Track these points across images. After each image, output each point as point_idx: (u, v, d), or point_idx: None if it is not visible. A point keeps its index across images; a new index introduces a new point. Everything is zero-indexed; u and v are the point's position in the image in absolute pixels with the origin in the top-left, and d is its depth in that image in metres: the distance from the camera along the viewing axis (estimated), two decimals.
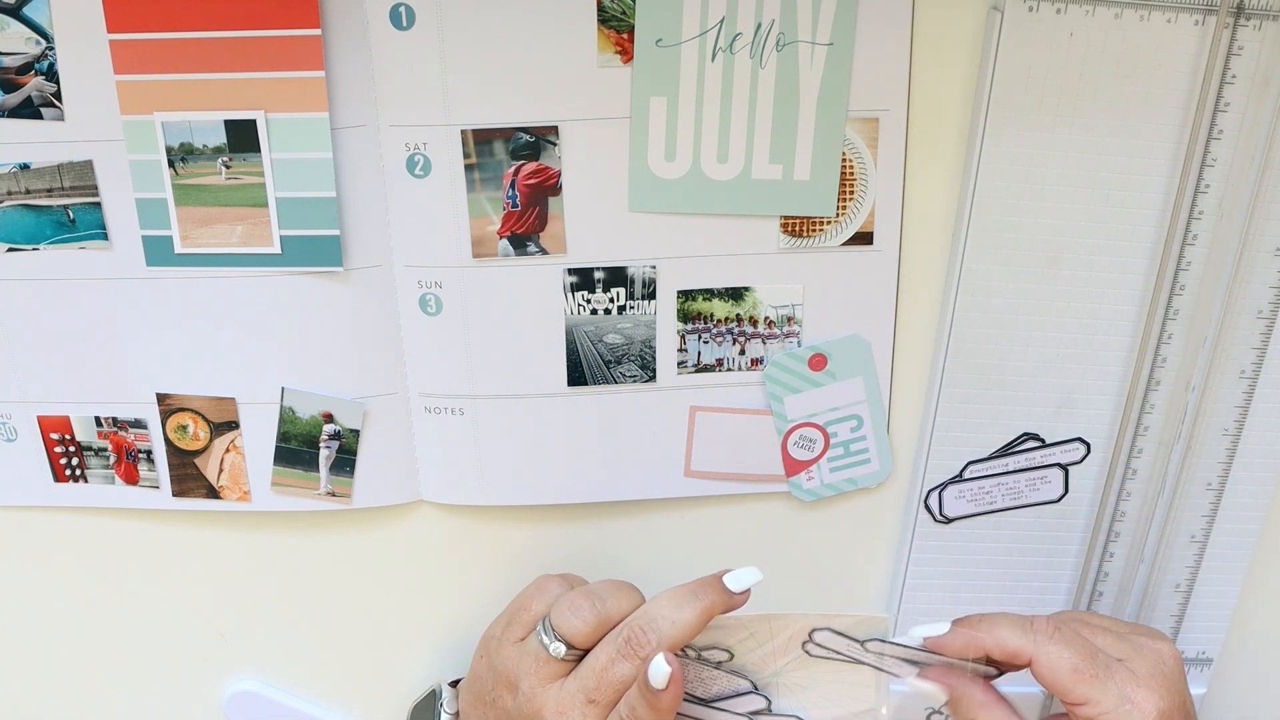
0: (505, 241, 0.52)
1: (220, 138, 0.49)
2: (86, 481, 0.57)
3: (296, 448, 0.55)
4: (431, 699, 0.58)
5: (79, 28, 0.48)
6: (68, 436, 0.56)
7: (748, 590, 0.49)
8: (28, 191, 0.51)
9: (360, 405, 0.54)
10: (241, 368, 0.54)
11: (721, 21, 0.48)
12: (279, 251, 0.51)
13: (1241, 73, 0.48)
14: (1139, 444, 0.55)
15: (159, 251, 0.52)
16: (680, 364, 0.54)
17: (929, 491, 0.56)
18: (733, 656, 0.51)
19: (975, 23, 0.49)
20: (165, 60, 0.48)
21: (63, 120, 0.49)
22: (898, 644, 0.50)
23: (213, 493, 0.57)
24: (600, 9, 0.48)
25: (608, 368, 0.54)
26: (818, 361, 0.54)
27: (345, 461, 0.55)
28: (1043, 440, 0.55)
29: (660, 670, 0.46)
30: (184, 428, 0.55)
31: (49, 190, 0.51)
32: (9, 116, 0.49)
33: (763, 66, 0.49)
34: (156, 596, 0.60)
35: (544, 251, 0.52)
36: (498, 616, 0.54)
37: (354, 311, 0.53)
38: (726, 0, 0.47)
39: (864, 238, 0.52)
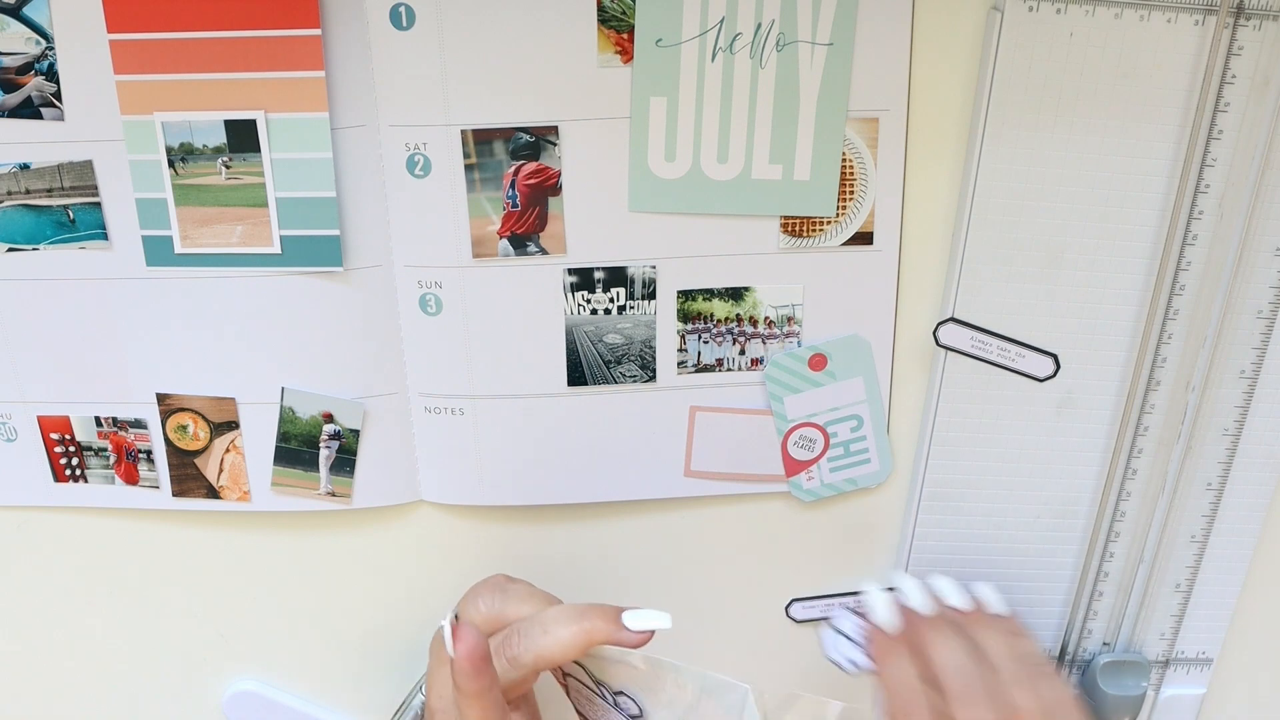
0: (505, 241, 0.52)
1: (220, 138, 0.49)
2: (86, 481, 0.57)
3: (296, 448, 0.55)
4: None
5: (79, 28, 0.48)
6: (68, 436, 0.56)
7: (647, 633, 0.47)
8: (28, 191, 0.51)
9: (360, 405, 0.54)
10: (241, 368, 0.54)
11: (721, 21, 0.48)
12: (279, 251, 0.51)
13: (1241, 73, 0.48)
14: (1139, 444, 0.55)
15: (159, 251, 0.52)
16: (680, 364, 0.54)
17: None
18: (642, 714, 0.50)
19: (975, 23, 0.49)
20: (165, 60, 0.48)
21: (63, 120, 0.49)
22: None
23: (213, 493, 0.57)
24: (600, 9, 0.48)
25: (608, 368, 0.54)
26: (818, 361, 0.54)
27: (345, 461, 0.55)
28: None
29: (445, 634, 0.45)
30: (184, 428, 0.55)
31: (49, 190, 0.51)
32: (9, 116, 0.49)
33: (763, 66, 0.49)
34: (156, 596, 0.60)
35: (544, 251, 0.52)
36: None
37: (354, 311, 0.53)
38: (726, 0, 0.47)
39: (864, 238, 0.52)
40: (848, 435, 0.56)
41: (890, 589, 0.50)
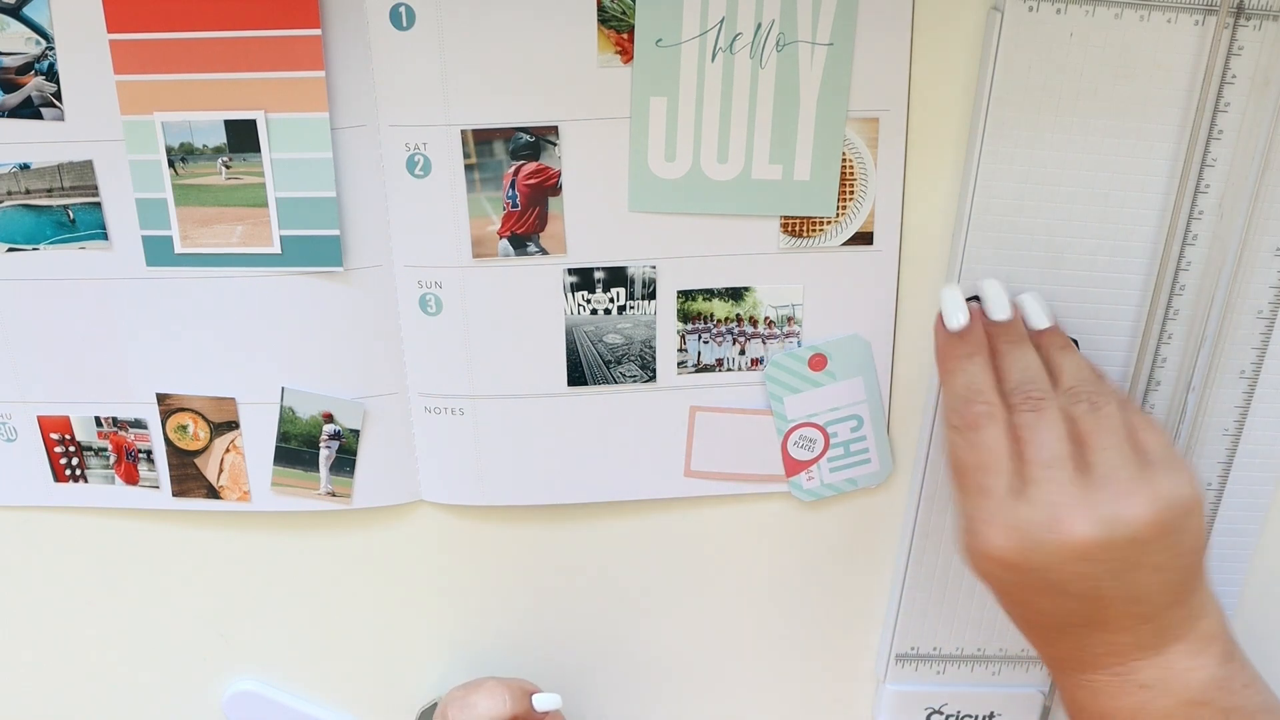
0: (505, 241, 0.52)
1: (220, 138, 0.49)
2: (86, 481, 0.57)
3: (296, 448, 0.55)
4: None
5: (79, 28, 0.48)
6: (68, 436, 0.56)
7: None
8: (28, 191, 0.51)
9: (360, 405, 0.54)
10: (241, 368, 0.54)
11: (721, 21, 0.48)
12: (279, 251, 0.51)
13: (1241, 73, 0.48)
14: None
15: (159, 251, 0.52)
16: (680, 364, 0.54)
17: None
18: None
19: (975, 23, 0.49)
20: (165, 60, 0.48)
21: (63, 120, 0.49)
22: None
23: (213, 493, 0.57)
24: (600, 9, 0.48)
25: (608, 368, 0.54)
26: (818, 361, 0.54)
27: (345, 461, 0.55)
28: None
29: None
30: (184, 428, 0.55)
31: (49, 190, 0.51)
32: (9, 116, 0.49)
33: (763, 67, 0.49)
34: (157, 596, 0.60)
35: (544, 251, 0.52)
36: (459, 687, 0.54)
37: (354, 311, 0.53)
38: (726, 0, 0.47)
39: (864, 238, 0.52)
40: (848, 435, 0.56)
41: (972, 298, 0.50)
